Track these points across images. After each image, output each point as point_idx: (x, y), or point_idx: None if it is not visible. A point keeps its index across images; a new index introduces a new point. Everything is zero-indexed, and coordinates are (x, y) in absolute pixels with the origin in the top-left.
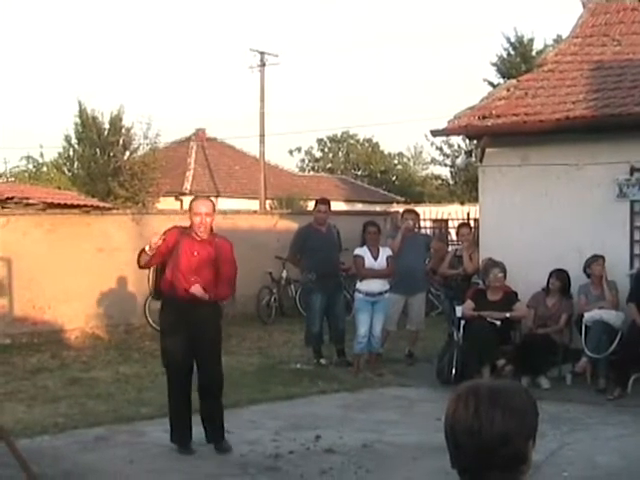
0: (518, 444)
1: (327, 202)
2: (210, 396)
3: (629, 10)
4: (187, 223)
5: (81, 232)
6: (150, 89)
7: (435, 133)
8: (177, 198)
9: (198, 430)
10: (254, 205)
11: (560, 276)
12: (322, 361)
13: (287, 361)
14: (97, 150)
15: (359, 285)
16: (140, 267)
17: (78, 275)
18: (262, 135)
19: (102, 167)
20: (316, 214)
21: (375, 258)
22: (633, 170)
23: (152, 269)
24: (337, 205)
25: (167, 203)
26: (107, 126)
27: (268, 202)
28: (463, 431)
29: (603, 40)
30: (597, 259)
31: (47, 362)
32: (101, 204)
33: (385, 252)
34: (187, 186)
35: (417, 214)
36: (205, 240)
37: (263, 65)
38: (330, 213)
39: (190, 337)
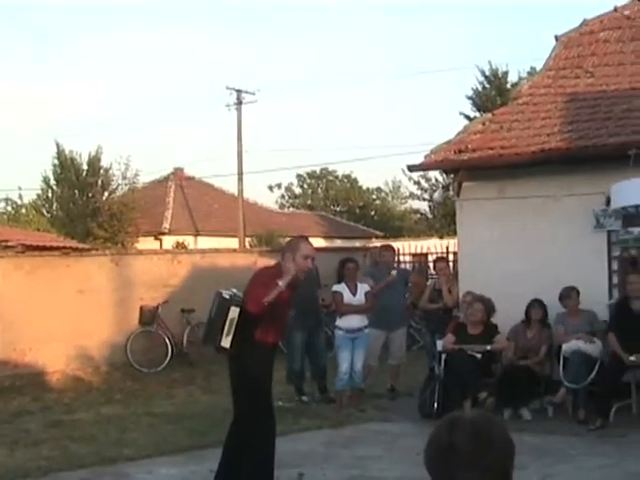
0: (509, 468)
1: (306, 240)
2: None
3: (601, 42)
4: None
5: (61, 274)
6: (127, 129)
7: (412, 168)
8: (156, 238)
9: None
10: (233, 243)
11: (541, 306)
12: (304, 398)
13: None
14: (76, 191)
15: (338, 322)
16: (259, 311)
17: (58, 317)
18: (240, 173)
19: (81, 208)
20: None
21: (354, 294)
22: (609, 201)
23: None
24: (316, 241)
25: (146, 243)
26: (85, 167)
27: (247, 240)
28: (461, 453)
29: (576, 72)
30: (571, 291)
31: (29, 405)
32: (80, 245)
33: (363, 288)
34: (166, 225)
35: (393, 249)
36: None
37: (240, 103)
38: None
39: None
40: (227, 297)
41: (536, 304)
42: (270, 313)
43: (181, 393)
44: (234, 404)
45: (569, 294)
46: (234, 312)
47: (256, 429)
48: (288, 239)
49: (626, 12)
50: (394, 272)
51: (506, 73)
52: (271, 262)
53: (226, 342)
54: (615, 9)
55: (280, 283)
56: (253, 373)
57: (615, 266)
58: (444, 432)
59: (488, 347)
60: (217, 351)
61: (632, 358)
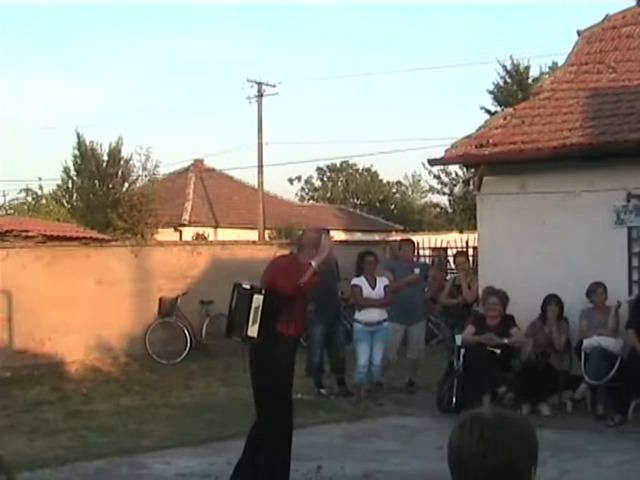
0: (522, 470)
1: (327, 232)
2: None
3: (624, 37)
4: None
5: (80, 264)
6: (148, 120)
7: (432, 162)
8: (176, 229)
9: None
10: (253, 235)
11: (557, 301)
12: (323, 391)
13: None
14: (96, 182)
15: (357, 315)
16: (294, 291)
17: (78, 307)
18: (260, 165)
19: (101, 199)
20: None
21: (373, 287)
22: (630, 196)
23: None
24: (336, 234)
25: (166, 234)
26: (106, 158)
27: (267, 232)
28: (469, 456)
29: (599, 67)
30: (597, 287)
31: (47, 395)
32: (100, 236)
33: (382, 281)
34: (186, 217)
35: (413, 243)
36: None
37: (260, 95)
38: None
39: None
40: (248, 287)
41: (552, 299)
42: (291, 304)
43: (200, 385)
44: (254, 397)
45: (595, 289)
46: (258, 300)
47: (274, 423)
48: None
49: None
50: (417, 270)
51: (528, 68)
52: None
53: (253, 331)
54: (638, 4)
55: (313, 263)
56: (274, 366)
57: (635, 262)
58: (455, 433)
59: (505, 340)
60: (243, 341)
61: None
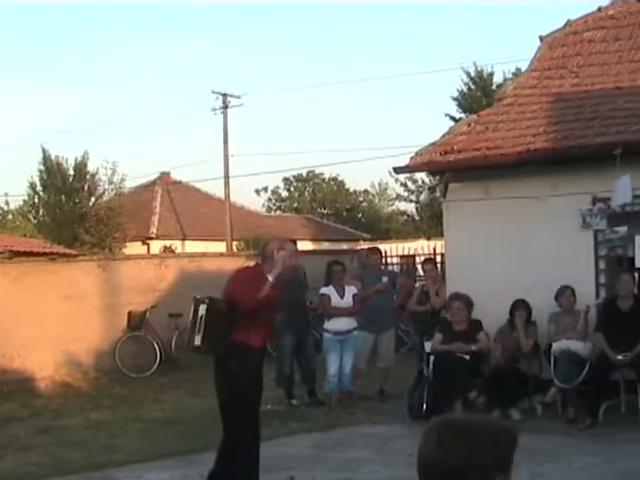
0: (482, 476)
1: (294, 242)
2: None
3: (586, 42)
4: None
5: (48, 280)
6: (113, 134)
7: (398, 170)
8: (143, 242)
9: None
10: (221, 247)
11: (525, 306)
12: (293, 402)
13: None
14: (62, 197)
15: (327, 324)
16: (253, 306)
17: (46, 323)
18: (227, 177)
19: (68, 213)
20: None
21: (341, 296)
22: (595, 200)
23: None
24: (304, 244)
25: (134, 248)
26: (72, 172)
27: (235, 243)
28: (428, 461)
29: (561, 73)
30: (565, 290)
31: (17, 411)
32: (67, 251)
33: (351, 290)
34: (153, 230)
35: (380, 252)
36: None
37: (226, 107)
38: (299, 253)
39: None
40: (197, 297)
41: (519, 304)
42: (250, 315)
43: (170, 398)
44: (220, 409)
45: (563, 293)
46: (202, 310)
47: (239, 435)
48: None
49: (610, 12)
50: (385, 278)
51: (491, 74)
52: None
53: (197, 340)
54: (599, 9)
55: (270, 278)
56: (236, 377)
57: (602, 265)
58: (421, 439)
59: (473, 347)
60: (193, 351)
61: (620, 357)
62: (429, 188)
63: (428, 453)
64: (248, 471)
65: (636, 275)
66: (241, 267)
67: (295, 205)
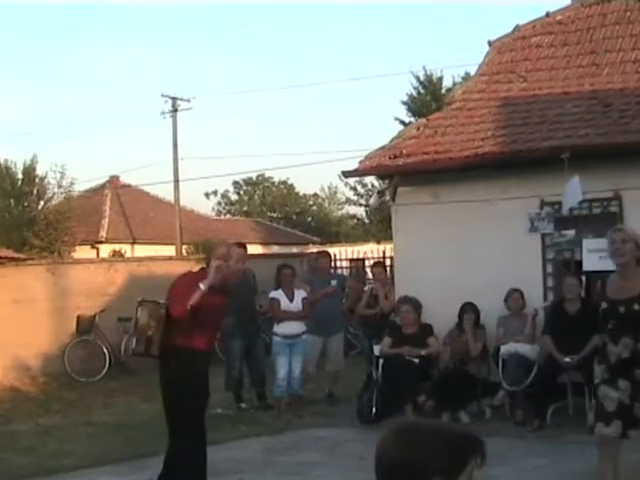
0: (413, 477)
1: (244, 246)
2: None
3: (534, 47)
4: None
5: None
6: (63, 138)
7: (347, 174)
8: (93, 246)
9: None
10: (170, 251)
11: (473, 309)
12: (242, 405)
13: (207, 406)
14: (11, 200)
15: (276, 328)
16: (180, 315)
17: None
18: (177, 180)
19: (16, 217)
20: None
21: (291, 300)
22: (543, 204)
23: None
24: (254, 248)
25: (83, 252)
26: (20, 176)
27: (184, 247)
28: (383, 465)
29: (510, 77)
30: (514, 293)
31: None
32: (16, 255)
33: (300, 294)
34: (103, 234)
35: (330, 255)
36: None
37: (175, 110)
38: (247, 257)
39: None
40: (139, 300)
41: (468, 308)
42: (195, 318)
43: (119, 402)
44: (165, 413)
45: (512, 296)
46: (139, 312)
47: (184, 439)
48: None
49: (558, 17)
50: (334, 282)
51: (441, 78)
52: None
53: (133, 343)
54: (547, 14)
55: (202, 286)
56: (178, 379)
57: (550, 269)
58: (382, 441)
59: (422, 352)
60: (133, 355)
61: (567, 359)
62: (378, 192)
63: (385, 458)
64: (194, 475)
65: (583, 278)
66: (182, 273)
67: (245, 209)
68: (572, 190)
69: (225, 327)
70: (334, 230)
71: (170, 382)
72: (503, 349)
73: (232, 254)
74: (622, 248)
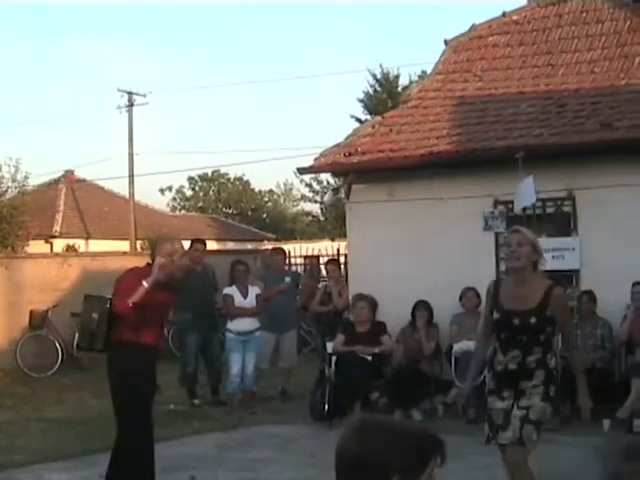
0: (373, 475)
1: (203, 242)
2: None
3: (490, 47)
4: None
5: None
6: (17, 131)
7: (302, 171)
8: (47, 241)
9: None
10: (125, 246)
11: (426, 307)
12: (196, 401)
13: (160, 402)
14: None
15: (230, 325)
16: (123, 312)
17: None
18: (131, 175)
19: None
20: (192, 253)
21: (245, 297)
22: (497, 203)
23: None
24: (209, 244)
25: (37, 246)
26: None
27: (139, 243)
28: (341, 462)
29: (465, 76)
30: (468, 291)
31: None
32: None
33: (254, 290)
34: (57, 228)
35: (284, 252)
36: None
37: (131, 105)
38: (206, 253)
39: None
40: (86, 295)
41: (421, 305)
42: (140, 314)
43: (71, 398)
44: (113, 408)
45: (466, 294)
46: (83, 307)
47: (130, 433)
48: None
49: (514, 17)
50: (287, 279)
51: (397, 77)
52: None
53: (77, 337)
54: (504, 14)
55: (145, 284)
56: (124, 374)
57: (503, 267)
58: (342, 437)
59: (376, 350)
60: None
61: None
62: (333, 189)
63: (350, 453)
64: (140, 470)
65: None
66: (128, 269)
67: (200, 204)
68: (526, 190)
69: (181, 322)
70: (289, 227)
71: (116, 376)
72: (456, 347)
73: (177, 250)
74: (518, 251)
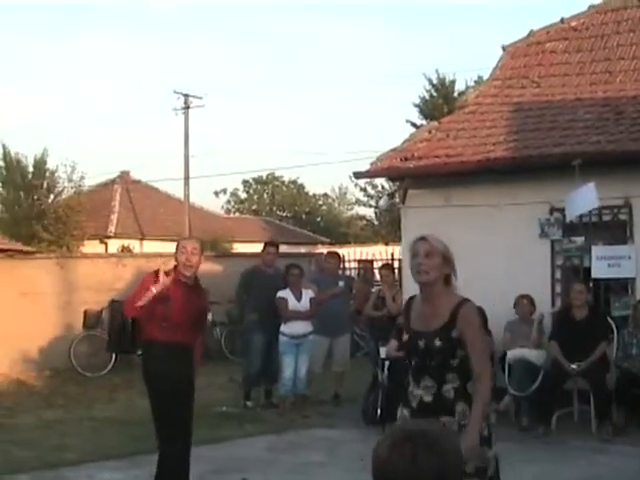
0: None
1: (276, 245)
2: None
3: (547, 53)
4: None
5: (5, 276)
6: (74, 132)
7: (358, 175)
8: (101, 241)
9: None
10: None
11: (480, 314)
12: (249, 403)
13: (212, 404)
14: (21, 193)
15: (283, 328)
16: (132, 315)
17: (2, 320)
18: (187, 177)
19: (26, 210)
20: (265, 256)
21: (298, 300)
22: (553, 210)
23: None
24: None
25: (91, 246)
26: (31, 169)
27: None
28: (401, 478)
29: (522, 82)
30: (522, 299)
31: None
32: (25, 248)
33: (308, 294)
34: (112, 229)
35: (339, 256)
36: (193, 285)
37: (187, 107)
38: (278, 256)
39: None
40: (112, 300)
41: (479, 310)
42: (152, 312)
43: (123, 398)
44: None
45: (520, 301)
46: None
47: (161, 434)
48: (234, 244)
49: (573, 23)
50: (341, 283)
51: (453, 82)
52: (216, 267)
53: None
54: (562, 20)
55: (153, 289)
56: (151, 374)
57: (558, 275)
58: (384, 451)
59: None
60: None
61: (574, 366)
62: (389, 194)
63: (402, 471)
64: (176, 471)
65: (591, 285)
66: (156, 269)
67: (254, 207)
68: (586, 196)
69: (247, 323)
70: (343, 231)
71: (145, 377)
72: (509, 354)
73: (185, 249)
74: (425, 264)
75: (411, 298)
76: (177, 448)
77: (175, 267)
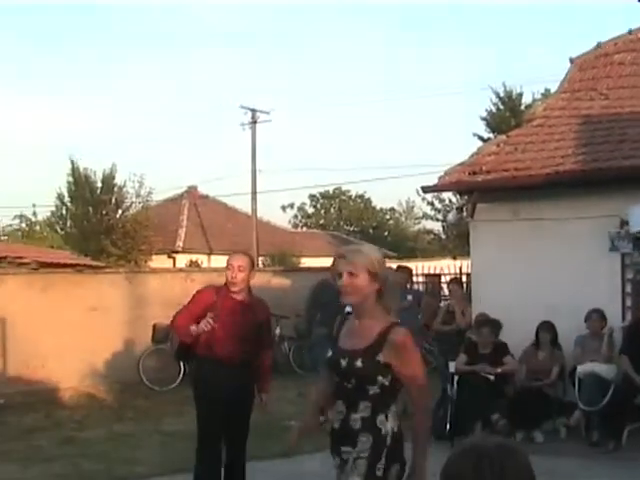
0: None
1: (409, 270)
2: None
3: (616, 64)
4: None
5: (74, 291)
6: (141, 147)
7: (426, 189)
8: (169, 256)
9: None
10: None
11: (550, 328)
12: (321, 418)
13: (281, 418)
14: (89, 208)
15: None
16: (177, 329)
17: (71, 334)
18: (254, 192)
19: (95, 225)
20: (334, 270)
21: None
22: (623, 223)
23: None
24: (328, 261)
25: (159, 261)
26: (99, 184)
27: (261, 259)
28: None
29: (591, 94)
30: (593, 313)
31: (41, 421)
32: (93, 263)
33: None
34: (179, 244)
35: (410, 270)
36: (244, 300)
37: (254, 122)
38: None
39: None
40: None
41: (545, 326)
42: (211, 330)
43: (192, 411)
44: None
45: (591, 316)
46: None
47: (198, 450)
48: (302, 258)
49: None
50: (410, 297)
51: (520, 95)
52: (284, 281)
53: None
54: (630, 32)
55: (193, 328)
56: (199, 389)
57: (629, 288)
58: (456, 465)
59: (498, 369)
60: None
61: None
62: (457, 208)
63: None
64: None
65: None
66: (207, 285)
67: (321, 222)
68: None
69: (316, 337)
70: (410, 245)
71: (193, 391)
72: (580, 369)
73: (232, 266)
74: (348, 284)
75: (349, 313)
76: (204, 461)
77: (223, 287)
